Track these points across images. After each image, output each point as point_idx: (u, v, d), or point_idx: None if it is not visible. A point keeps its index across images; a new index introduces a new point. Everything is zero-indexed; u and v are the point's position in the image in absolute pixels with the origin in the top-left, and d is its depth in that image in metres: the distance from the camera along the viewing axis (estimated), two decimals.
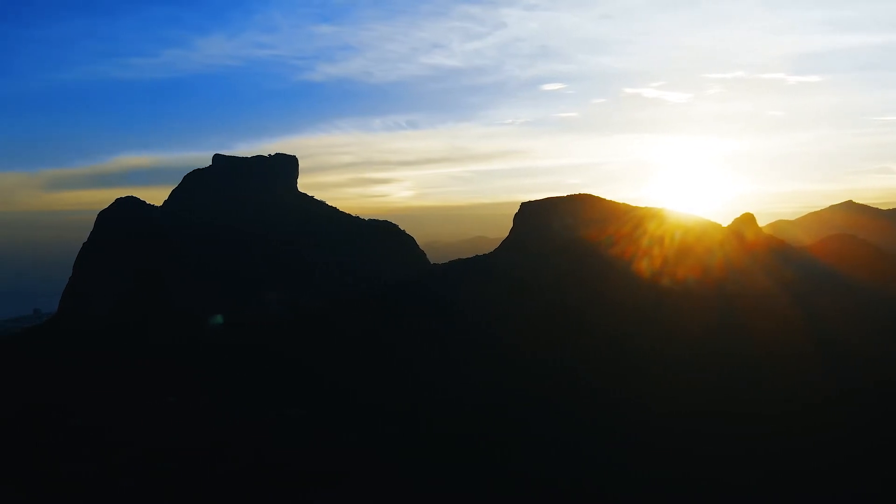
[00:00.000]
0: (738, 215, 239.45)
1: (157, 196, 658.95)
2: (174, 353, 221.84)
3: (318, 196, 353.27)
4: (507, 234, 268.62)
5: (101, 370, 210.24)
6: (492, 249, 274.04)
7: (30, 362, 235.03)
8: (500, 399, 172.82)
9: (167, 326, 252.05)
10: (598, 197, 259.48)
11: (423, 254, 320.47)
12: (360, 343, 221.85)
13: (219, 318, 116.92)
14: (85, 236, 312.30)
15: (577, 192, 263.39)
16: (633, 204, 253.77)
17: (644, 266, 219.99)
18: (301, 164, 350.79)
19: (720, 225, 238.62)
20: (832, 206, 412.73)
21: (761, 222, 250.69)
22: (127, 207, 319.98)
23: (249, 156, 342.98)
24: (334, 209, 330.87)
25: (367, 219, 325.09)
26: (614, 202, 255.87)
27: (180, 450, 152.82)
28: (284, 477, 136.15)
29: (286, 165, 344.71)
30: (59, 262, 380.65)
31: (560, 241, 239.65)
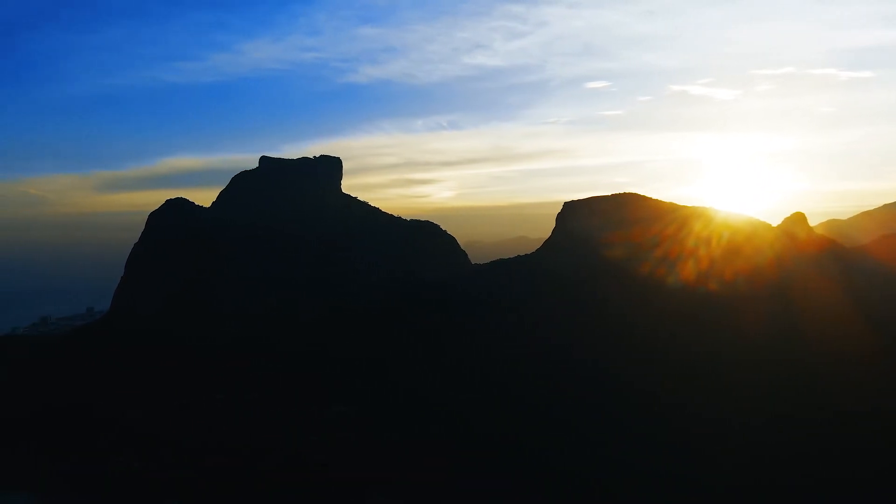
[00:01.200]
0: (789, 215, 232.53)
1: (205, 197, 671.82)
2: (221, 350, 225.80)
3: (362, 197, 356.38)
4: (550, 234, 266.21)
5: (152, 367, 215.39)
6: (534, 250, 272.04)
7: (83, 359, 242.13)
8: (543, 399, 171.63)
9: (214, 325, 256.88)
10: (643, 196, 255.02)
11: (464, 254, 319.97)
12: (401, 342, 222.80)
13: None
14: (136, 237, 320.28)
15: (621, 192, 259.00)
16: (680, 203, 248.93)
17: (690, 267, 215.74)
18: (344, 165, 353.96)
19: (770, 225, 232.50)
20: (886, 205, 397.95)
21: (812, 222, 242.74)
22: (176, 209, 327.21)
23: (295, 158, 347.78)
24: (377, 210, 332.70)
25: (408, 219, 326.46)
26: (660, 201, 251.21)
27: (227, 445, 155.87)
28: (328, 473, 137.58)
29: (330, 167, 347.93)
30: (112, 262, 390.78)
31: (604, 241, 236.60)
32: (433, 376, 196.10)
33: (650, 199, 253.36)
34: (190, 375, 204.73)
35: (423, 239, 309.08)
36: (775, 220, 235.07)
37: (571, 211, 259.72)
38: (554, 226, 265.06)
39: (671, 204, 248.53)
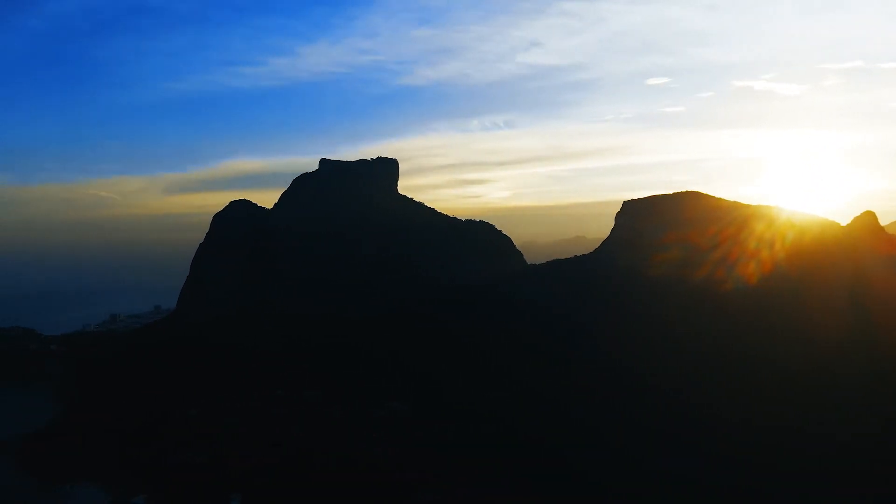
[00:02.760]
0: (859, 214, 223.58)
1: (267, 199, 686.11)
2: (282, 348, 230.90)
3: (417, 198, 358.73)
4: (609, 233, 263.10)
5: (215, 364, 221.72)
6: (592, 250, 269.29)
7: (150, 356, 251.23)
8: (597, 403, 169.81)
9: (276, 322, 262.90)
10: (705, 194, 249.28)
11: (519, 254, 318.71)
12: (457, 341, 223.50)
13: None
14: (201, 237, 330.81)
15: (682, 190, 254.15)
16: (744, 202, 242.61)
17: (753, 269, 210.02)
18: (401, 166, 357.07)
19: (839, 224, 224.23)
20: None
21: (884, 221, 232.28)
22: (240, 210, 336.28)
23: (353, 160, 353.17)
24: (433, 210, 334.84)
25: (464, 219, 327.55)
26: (722, 200, 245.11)
27: (286, 442, 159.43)
28: (381, 471, 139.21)
29: (387, 168, 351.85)
30: (178, 262, 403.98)
31: (664, 241, 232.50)
32: (488, 376, 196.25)
33: (712, 197, 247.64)
34: (251, 372, 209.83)
35: (478, 239, 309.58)
36: (844, 220, 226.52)
37: (630, 210, 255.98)
38: (613, 225, 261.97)
39: (734, 203, 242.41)
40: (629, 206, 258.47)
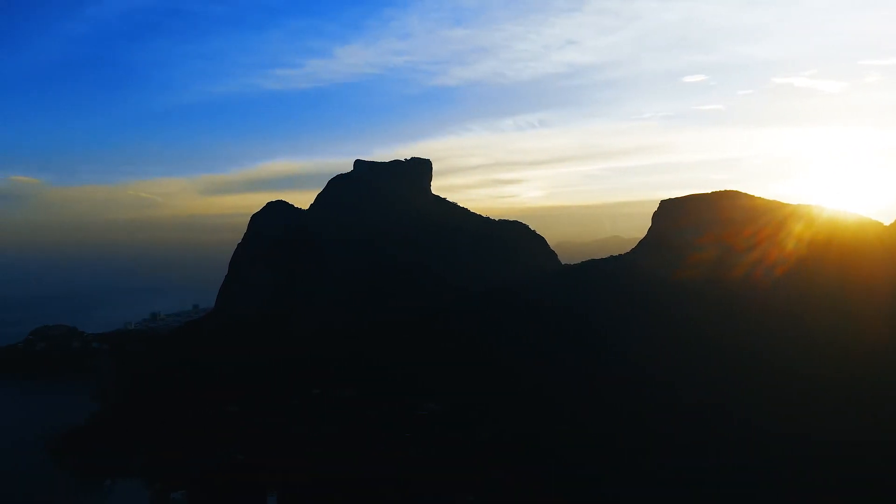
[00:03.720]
0: None
1: (303, 199, 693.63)
2: (318, 346, 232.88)
3: (451, 198, 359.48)
4: (645, 233, 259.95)
5: (253, 362, 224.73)
6: (628, 250, 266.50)
7: (190, 354, 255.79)
8: (634, 405, 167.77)
9: (312, 321, 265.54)
10: (743, 193, 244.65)
11: (553, 254, 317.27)
12: (492, 342, 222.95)
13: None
14: (239, 237, 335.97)
15: (720, 189, 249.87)
16: (783, 201, 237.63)
17: (793, 268, 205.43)
18: (434, 166, 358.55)
19: (881, 223, 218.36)
20: None
21: None
22: (276, 210, 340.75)
23: (387, 160, 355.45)
24: (466, 210, 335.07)
25: (497, 219, 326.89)
26: (762, 199, 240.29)
27: (323, 439, 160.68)
28: (422, 470, 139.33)
29: (421, 169, 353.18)
30: (216, 261, 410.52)
31: (702, 240, 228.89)
32: (523, 377, 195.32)
33: (750, 197, 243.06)
34: (288, 370, 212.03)
35: (511, 239, 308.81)
36: (887, 220, 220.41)
37: (667, 210, 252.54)
38: (650, 224, 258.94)
39: (774, 202, 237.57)
40: (666, 205, 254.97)
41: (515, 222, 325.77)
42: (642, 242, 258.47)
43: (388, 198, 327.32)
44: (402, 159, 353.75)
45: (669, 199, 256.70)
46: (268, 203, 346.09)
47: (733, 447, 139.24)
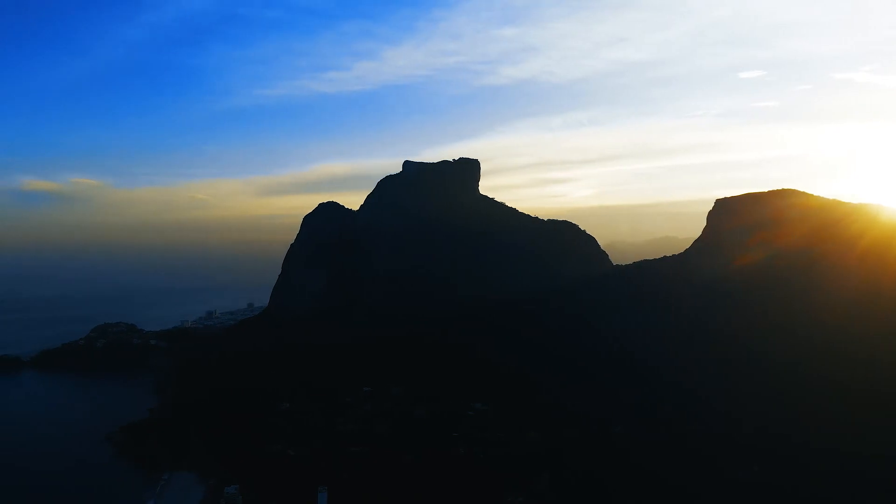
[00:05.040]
0: None
1: (354, 201, 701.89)
2: (368, 345, 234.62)
3: (499, 198, 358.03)
4: (700, 233, 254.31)
5: (305, 359, 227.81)
6: (682, 250, 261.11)
7: (244, 351, 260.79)
8: (689, 407, 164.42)
9: (361, 320, 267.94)
10: (802, 192, 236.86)
11: (604, 254, 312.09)
12: (540, 342, 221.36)
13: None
14: (292, 237, 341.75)
15: (778, 188, 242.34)
16: (843, 200, 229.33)
17: (857, 269, 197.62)
18: (483, 166, 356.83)
19: None
20: None
21: None
22: (327, 211, 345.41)
23: (435, 161, 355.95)
24: (514, 210, 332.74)
25: (546, 219, 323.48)
26: (821, 198, 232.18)
27: (373, 435, 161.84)
28: (470, 470, 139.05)
29: (468, 169, 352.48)
30: (270, 261, 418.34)
31: (759, 239, 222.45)
32: (570, 378, 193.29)
33: (809, 195, 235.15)
34: (339, 367, 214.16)
35: (561, 239, 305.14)
36: None
37: (724, 208, 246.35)
38: (704, 224, 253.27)
39: (832, 201, 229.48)
40: (721, 204, 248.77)
41: (565, 222, 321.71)
42: (697, 242, 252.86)
43: (437, 198, 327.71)
44: (451, 160, 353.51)
45: (725, 197, 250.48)
46: (319, 204, 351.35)
47: (766, 454, 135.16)
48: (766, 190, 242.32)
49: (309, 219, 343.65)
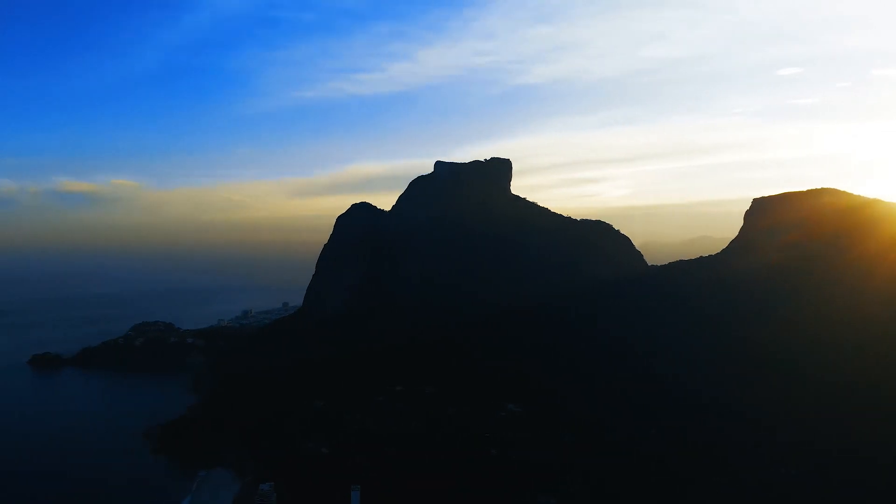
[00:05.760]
0: None
1: (386, 201, 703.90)
2: (400, 344, 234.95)
3: (531, 197, 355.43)
4: (737, 233, 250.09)
5: (339, 358, 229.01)
6: (718, 250, 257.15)
7: (279, 350, 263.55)
8: (729, 413, 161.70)
9: (394, 319, 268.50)
10: (841, 191, 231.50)
11: (639, 254, 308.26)
12: (574, 345, 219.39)
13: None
14: (325, 238, 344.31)
15: (817, 187, 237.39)
16: (885, 199, 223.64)
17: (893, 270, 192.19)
18: (515, 166, 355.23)
19: None
20: None
21: None
22: (360, 212, 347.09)
23: (468, 161, 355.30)
24: (546, 210, 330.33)
25: (579, 219, 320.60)
26: (861, 197, 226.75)
27: (406, 436, 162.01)
28: (502, 470, 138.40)
29: (500, 168, 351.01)
30: (304, 261, 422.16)
31: (797, 239, 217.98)
32: (604, 382, 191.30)
33: (849, 195, 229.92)
34: (372, 366, 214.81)
35: (594, 239, 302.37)
36: None
37: (762, 207, 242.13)
38: (741, 224, 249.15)
39: (873, 200, 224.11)
40: (759, 203, 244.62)
41: (598, 222, 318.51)
42: (734, 242, 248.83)
43: (468, 198, 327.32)
44: (482, 159, 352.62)
45: (762, 197, 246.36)
46: (352, 205, 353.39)
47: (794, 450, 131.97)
48: (804, 189, 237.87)
49: (342, 219, 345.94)
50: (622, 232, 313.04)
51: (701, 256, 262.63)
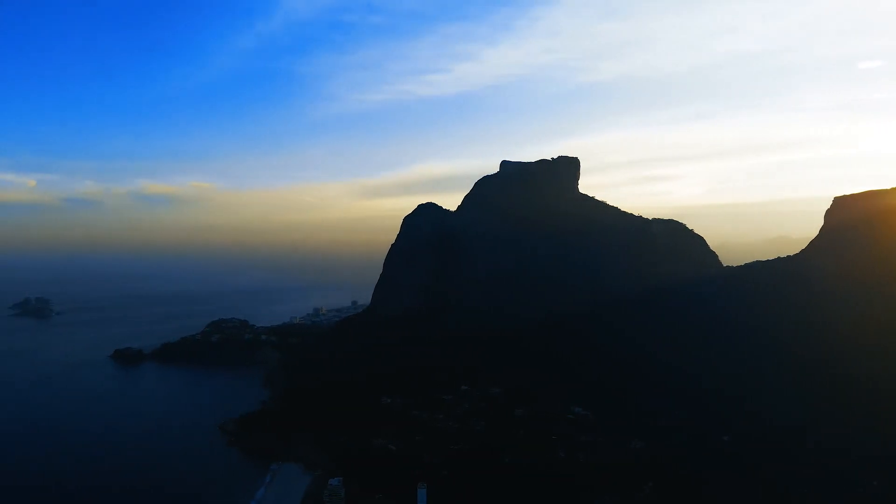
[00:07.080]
0: None
1: (452, 201, 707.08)
2: (466, 343, 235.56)
3: (600, 196, 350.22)
4: (817, 233, 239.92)
5: (406, 356, 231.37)
6: (797, 251, 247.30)
7: (348, 347, 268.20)
8: (802, 418, 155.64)
9: (460, 319, 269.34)
10: None
11: (714, 255, 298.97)
12: (644, 346, 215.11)
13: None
14: (393, 238, 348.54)
15: None
16: None
17: None
18: (584, 164, 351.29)
19: None
20: None
21: None
22: (427, 212, 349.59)
23: (535, 160, 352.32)
24: (616, 209, 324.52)
25: (650, 218, 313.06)
26: None
27: (473, 436, 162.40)
28: (568, 472, 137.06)
29: (568, 167, 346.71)
30: (372, 260, 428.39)
31: (881, 239, 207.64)
32: (674, 384, 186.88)
33: None
34: (439, 366, 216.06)
35: (667, 238, 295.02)
36: None
37: (843, 206, 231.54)
38: (822, 223, 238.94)
39: None
40: (840, 202, 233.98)
41: (671, 221, 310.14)
42: (813, 243, 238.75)
43: (534, 197, 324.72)
44: (549, 158, 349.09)
45: (844, 195, 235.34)
46: (419, 205, 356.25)
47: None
48: (887, 187, 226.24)
49: (408, 219, 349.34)
50: (696, 231, 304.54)
51: (779, 257, 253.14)
